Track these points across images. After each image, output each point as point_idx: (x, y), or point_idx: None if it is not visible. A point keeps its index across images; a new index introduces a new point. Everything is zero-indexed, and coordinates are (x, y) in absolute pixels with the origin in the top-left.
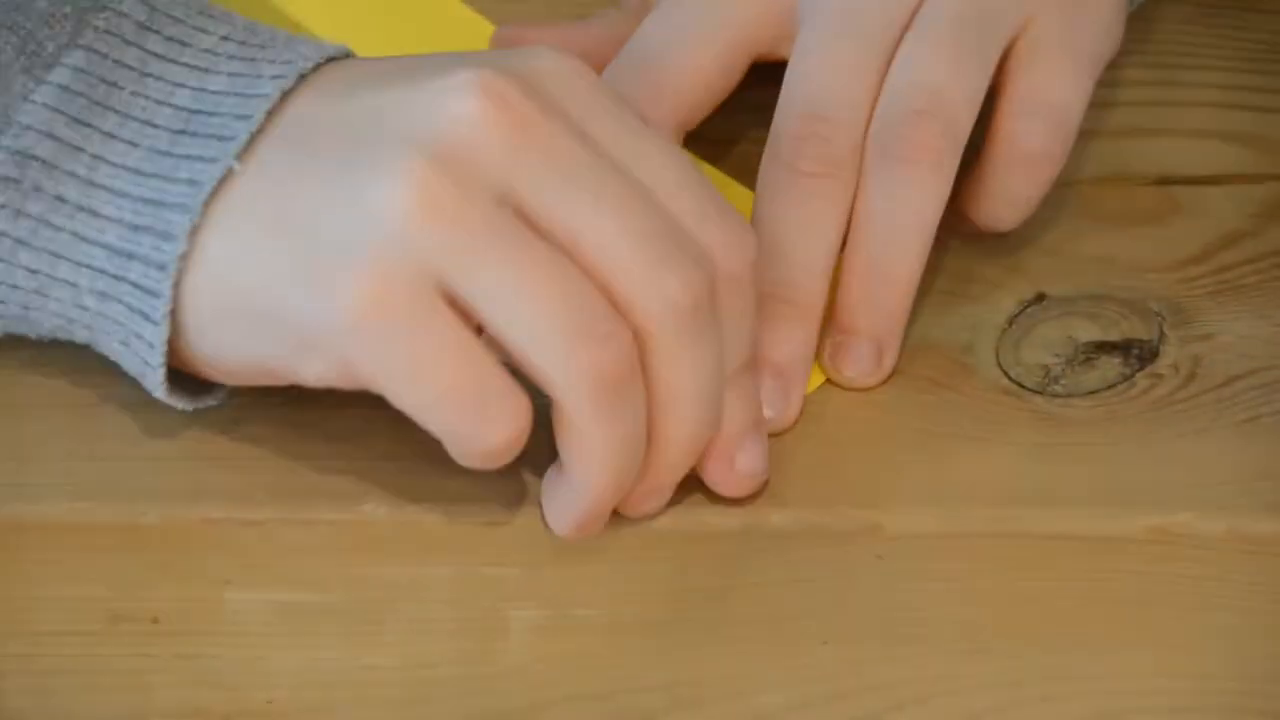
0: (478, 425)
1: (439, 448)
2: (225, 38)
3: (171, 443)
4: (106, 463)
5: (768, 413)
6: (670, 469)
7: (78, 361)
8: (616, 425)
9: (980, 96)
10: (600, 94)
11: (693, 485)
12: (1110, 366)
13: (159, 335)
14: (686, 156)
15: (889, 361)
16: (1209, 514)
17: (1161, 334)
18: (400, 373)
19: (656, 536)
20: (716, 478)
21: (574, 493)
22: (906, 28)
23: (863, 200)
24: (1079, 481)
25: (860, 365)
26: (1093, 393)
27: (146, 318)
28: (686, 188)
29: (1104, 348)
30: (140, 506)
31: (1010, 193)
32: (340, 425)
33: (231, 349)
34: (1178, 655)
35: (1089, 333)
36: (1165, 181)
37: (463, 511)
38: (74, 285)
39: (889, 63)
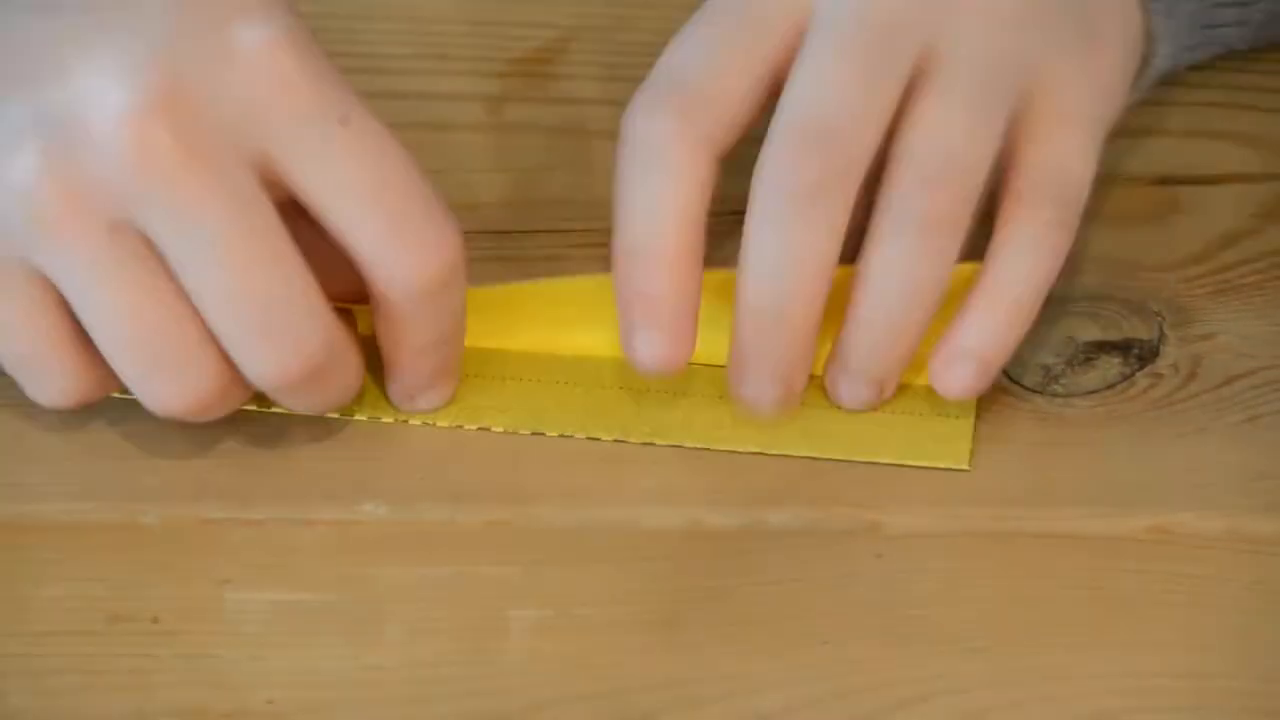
0: (28, 383)
1: (439, 447)
2: None
3: (171, 443)
4: (106, 463)
5: (764, 409)
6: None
7: None
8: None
9: (993, 154)
10: (288, 105)
11: (692, 485)
12: (1110, 366)
13: None
14: (388, 155)
15: (889, 392)
16: (1209, 514)
17: (1161, 334)
18: None
19: (656, 536)
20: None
21: None
22: (916, 61)
23: (873, 262)
24: (1079, 481)
25: (859, 399)
26: (1093, 392)
27: None
28: (372, 208)
29: (1104, 347)
30: (140, 506)
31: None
32: (340, 425)
33: None
34: (1178, 655)
35: (1089, 332)
36: (1165, 181)
37: (463, 511)
38: None
39: (899, 96)
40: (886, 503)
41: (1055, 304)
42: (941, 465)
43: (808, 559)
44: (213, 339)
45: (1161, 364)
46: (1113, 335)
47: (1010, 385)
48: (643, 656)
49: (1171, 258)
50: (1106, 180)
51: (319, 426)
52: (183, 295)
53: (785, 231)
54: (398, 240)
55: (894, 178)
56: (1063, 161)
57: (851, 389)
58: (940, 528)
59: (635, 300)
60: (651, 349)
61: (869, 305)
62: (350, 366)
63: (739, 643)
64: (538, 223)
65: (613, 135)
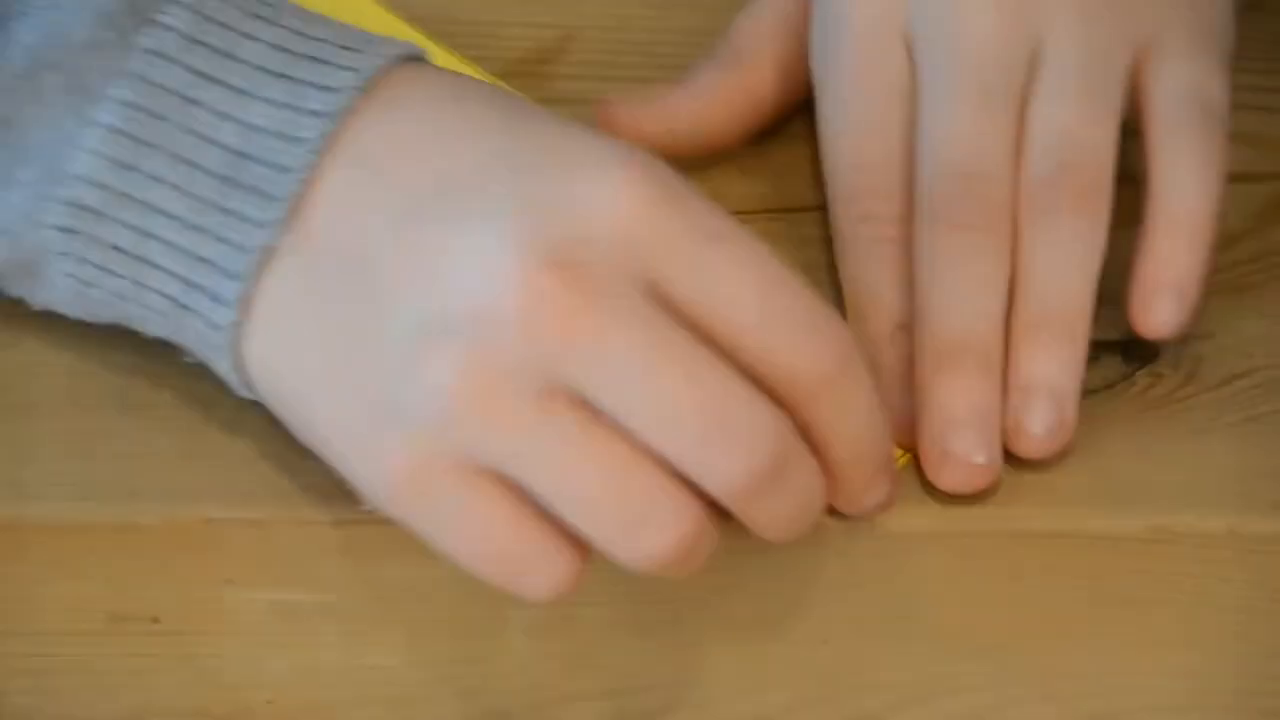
0: (517, 582)
1: None
2: (275, 45)
3: (172, 443)
4: (106, 463)
5: (977, 457)
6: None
7: (78, 362)
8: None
9: (1117, 133)
10: (660, 230)
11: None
12: (1110, 365)
13: (232, 378)
14: (767, 261)
15: (1070, 417)
16: (1209, 514)
17: None
18: (434, 536)
19: None
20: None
21: None
22: (1028, 73)
23: (1026, 258)
24: (1079, 480)
25: (1047, 422)
26: (1093, 392)
27: (215, 362)
28: (763, 309)
29: (1104, 347)
30: (140, 506)
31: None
32: None
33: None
34: (1178, 655)
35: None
36: None
37: None
38: (144, 322)
39: (1020, 110)
40: None
41: None
42: None
43: (808, 559)
44: (678, 477)
45: (1161, 364)
46: (1113, 334)
47: None
48: (643, 656)
49: None
50: None
51: None
52: (631, 439)
53: (960, 268)
54: (792, 336)
55: (1031, 172)
56: (1198, 82)
57: (1041, 414)
58: (940, 528)
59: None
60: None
61: (1025, 301)
62: (810, 462)
63: (739, 643)
64: None
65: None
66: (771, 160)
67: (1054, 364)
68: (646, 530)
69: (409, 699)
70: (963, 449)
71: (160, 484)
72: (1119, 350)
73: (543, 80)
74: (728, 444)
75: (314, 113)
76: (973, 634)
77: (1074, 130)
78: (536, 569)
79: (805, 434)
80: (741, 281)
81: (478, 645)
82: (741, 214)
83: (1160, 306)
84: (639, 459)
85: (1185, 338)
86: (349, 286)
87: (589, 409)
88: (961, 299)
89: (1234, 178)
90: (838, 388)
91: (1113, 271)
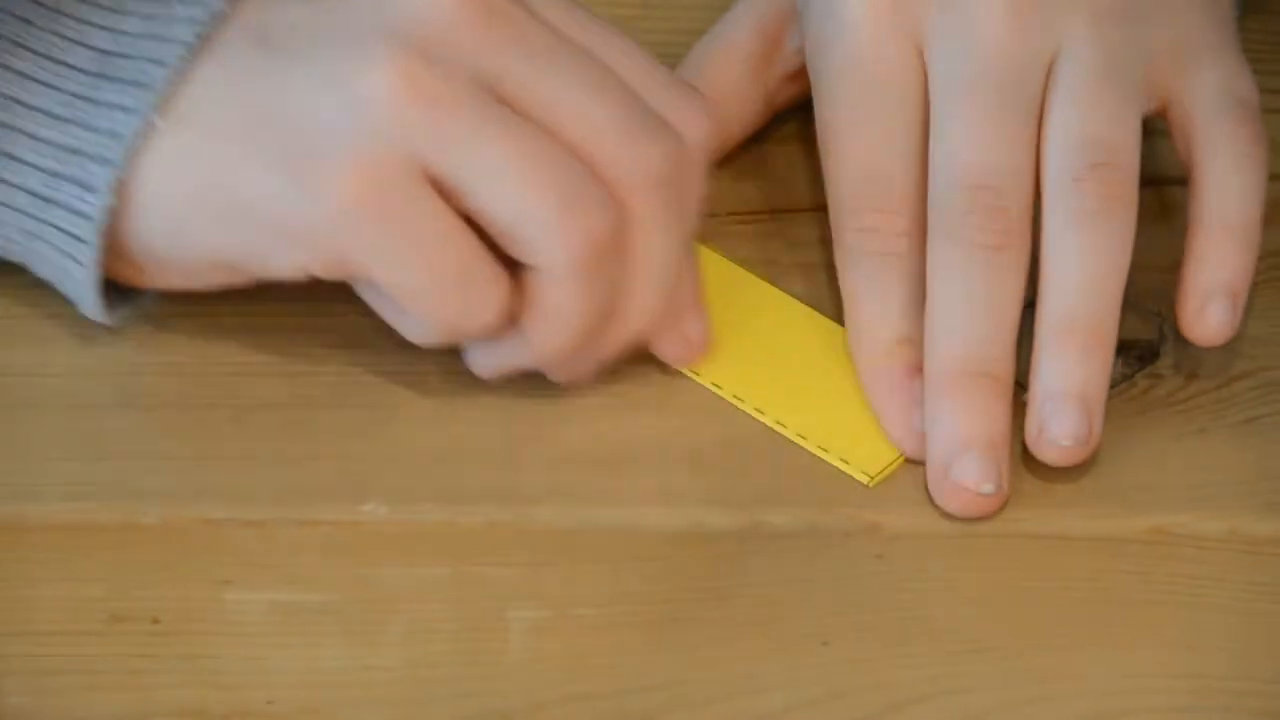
0: (465, 307)
1: (439, 447)
2: None
3: (171, 443)
4: (106, 463)
5: (986, 487)
6: (627, 339)
7: (78, 361)
8: (594, 298)
9: (1140, 133)
10: None
11: (692, 485)
12: (1110, 366)
13: (88, 277)
14: (634, 42)
15: (1098, 425)
16: (1209, 514)
17: (1161, 334)
18: (393, 259)
19: (656, 536)
20: (671, 351)
21: (521, 349)
22: (1044, 82)
23: (1054, 262)
24: (1079, 481)
25: (1077, 432)
26: None
27: (74, 260)
28: (642, 68)
29: None
30: (140, 506)
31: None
32: (340, 424)
33: (194, 246)
34: (1178, 655)
35: None
36: (1164, 181)
37: (463, 511)
38: (1, 222)
39: (1037, 121)
40: (886, 503)
41: None
42: (850, 470)
43: (808, 559)
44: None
45: (1161, 364)
46: None
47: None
48: (643, 656)
49: (1171, 258)
50: None
51: (319, 426)
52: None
53: (974, 290)
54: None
55: (1049, 182)
56: (1229, 80)
57: (1066, 422)
58: (940, 528)
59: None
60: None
61: (1054, 305)
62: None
63: (739, 643)
64: None
65: None
66: (769, 160)
67: (1083, 371)
68: (584, 205)
69: (409, 699)
70: (971, 478)
71: (160, 484)
72: (1119, 352)
73: None
74: (646, 132)
75: (189, 19)
76: (973, 634)
77: (1098, 133)
78: (484, 289)
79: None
80: (574, 86)
81: (478, 645)
82: (740, 214)
83: (1214, 312)
84: (566, 150)
85: (1186, 339)
86: (258, 75)
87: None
88: (973, 320)
89: None
90: (656, 194)
91: None
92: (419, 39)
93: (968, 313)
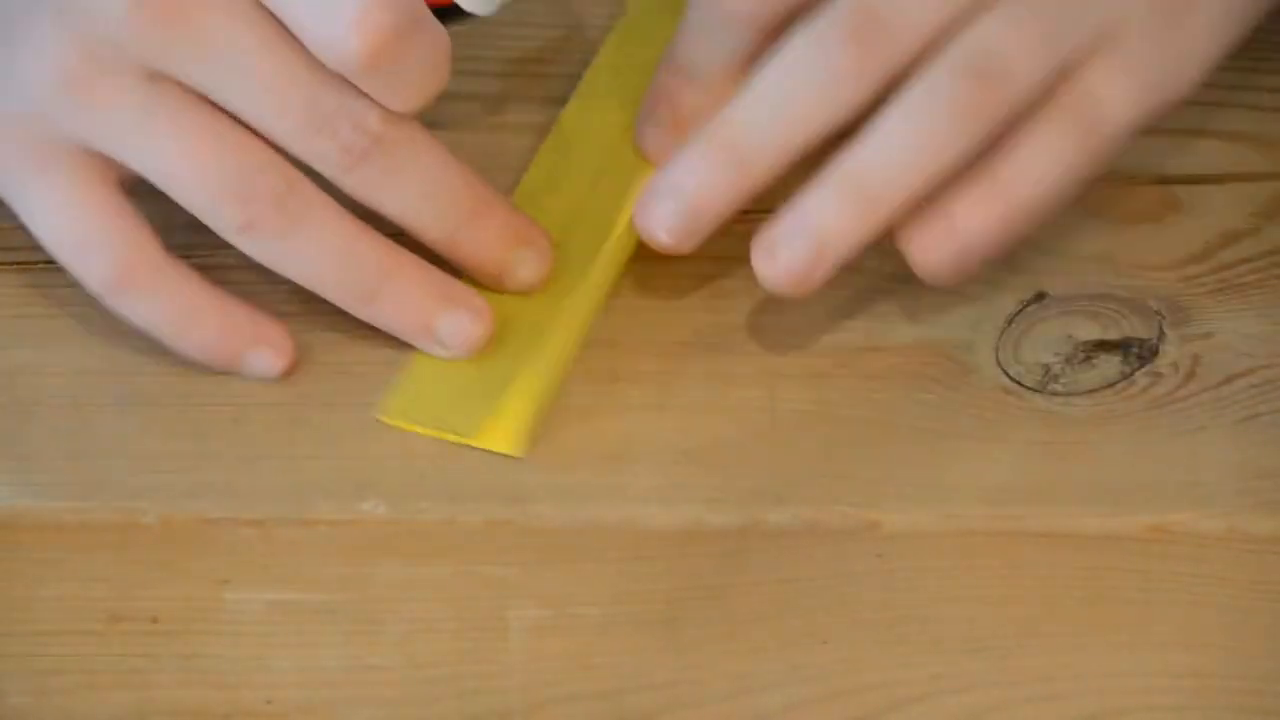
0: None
1: (439, 447)
2: None
3: (171, 443)
4: (106, 462)
5: (665, 239)
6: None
7: (78, 361)
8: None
9: (1035, 81)
10: None
11: (692, 485)
12: (1110, 365)
13: None
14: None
15: (821, 273)
16: (1208, 513)
17: (1161, 333)
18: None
19: (656, 536)
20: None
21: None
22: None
23: (877, 118)
24: (1078, 480)
25: (793, 261)
26: (1092, 391)
27: None
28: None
29: (1103, 346)
30: (140, 506)
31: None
32: (340, 425)
33: None
34: (1178, 655)
35: (1089, 331)
36: (1165, 180)
37: (463, 511)
38: None
39: (967, 11)
40: (886, 503)
41: (1055, 303)
42: (491, 448)
43: (808, 559)
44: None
45: (1161, 363)
46: (1112, 334)
47: (1010, 385)
48: (643, 656)
49: (1171, 257)
50: (1107, 179)
51: (319, 426)
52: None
53: (798, 81)
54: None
55: (930, 60)
56: (1109, 94)
57: (790, 251)
58: (940, 528)
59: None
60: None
61: (851, 158)
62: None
63: (739, 643)
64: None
65: None
66: None
67: (838, 216)
68: (237, 192)
69: (409, 699)
70: (657, 218)
71: (160, 484)
72: (1119, 350)
73: (543, 80)
74: (325, 130)
75: None
76: (973, 634)
77: (996, 43)
78: (101, 252)
79: None
80: (249, 88)
81: (478, 645)
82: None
83: (935, 243)
84: (238, 129)
85: (1185, 337)
86: None
87: (195, 97)
88: (770, 101)
89: (1234, 178)
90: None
91: (1112, 271)
92: (91, 27)
93: (774, 98)
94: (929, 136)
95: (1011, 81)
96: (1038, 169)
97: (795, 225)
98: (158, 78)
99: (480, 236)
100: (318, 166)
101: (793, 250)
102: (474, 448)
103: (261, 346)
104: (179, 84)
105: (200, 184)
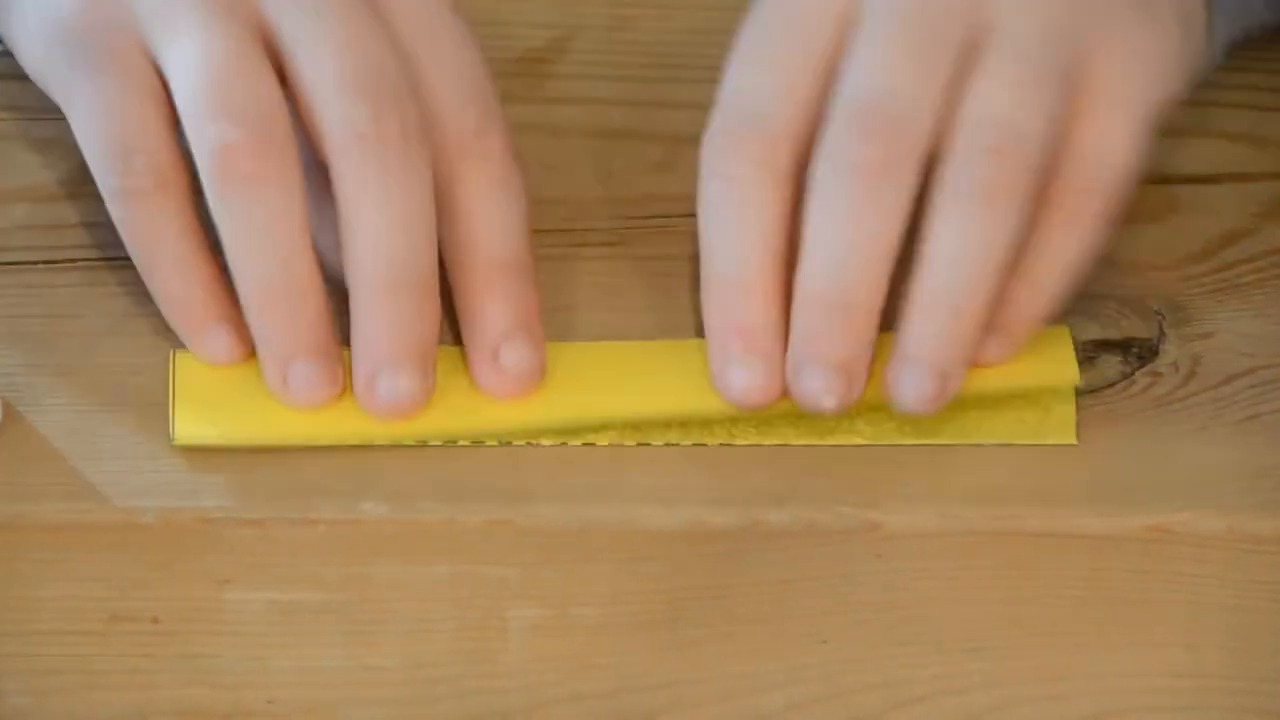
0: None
1: (439, 447)
2: None
3: (171, 442)
4: (106, 462)
5: (828, 402)
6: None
7: (78, 361)
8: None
9: (1047, 132)
10: None
11: (692, 485)
12: (1110, 365)
13: None
14: (466, 38)
15: (952, 388)
16: (1209, 513)
17: (1161, 332)
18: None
19: (656, 536)
20: (485, 380)
21: None
22: (974, 46)
23: (933, 236)
24: (1078, 480)
25: (922, 394)
26: (1092, 391)
27: None
28: (449, 63)
29: (1104, 346)
30: (140, 506)
31: None
32: None
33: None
34: (1178, 655)
35: (1089, 331)
36: (1165, 180)
37: (463, 511)
38: None
39: (958, 79)
40: (886, 503)
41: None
42: (1049, 442)
43: (808, 559)
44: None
45: (1161, 363)
46: (1112, 334)
47: None
48: (643, 656)
49: (1171, 257)
50: None
51: None
52: (271, 67)
53: (849, 216)
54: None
55: (949, 152)
56: (1109, 148)
57: (915, 383)
58: (940, 528)
59: (731, 332)
60: (751, 379)
61: (931, 283)
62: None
63: (739, 643)
64: (539, 222)
65: (615, 134)
66: None
67: (941, 344)
68: (234, 122)
69: (409, 699)
70: (815, 388)
71: (160, 484)
72: (1119, 350)
73: (543, 80)
74: (368, 97)
75: None
76: (973, 634)
77: (1003, 110)
78: (139, 155)
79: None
80: (320, 39)
81: (478, 645)
82: None
83: (996, 347)
84: (267, 70)
85: (1185, 337)
86: None
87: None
88: (836, 250)
89: (1234, 178)
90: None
91: (1112, 271)
92: None
93: (838, 245)
94: (985, 230)
95: (1028, 141)
96: (1068, 255)
97: (909, 363)
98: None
99: (497, 306)
100: (329, 128)
101: (918, 385)
102: (474, 448)
103: (224, 325)
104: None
105: (209, 95)
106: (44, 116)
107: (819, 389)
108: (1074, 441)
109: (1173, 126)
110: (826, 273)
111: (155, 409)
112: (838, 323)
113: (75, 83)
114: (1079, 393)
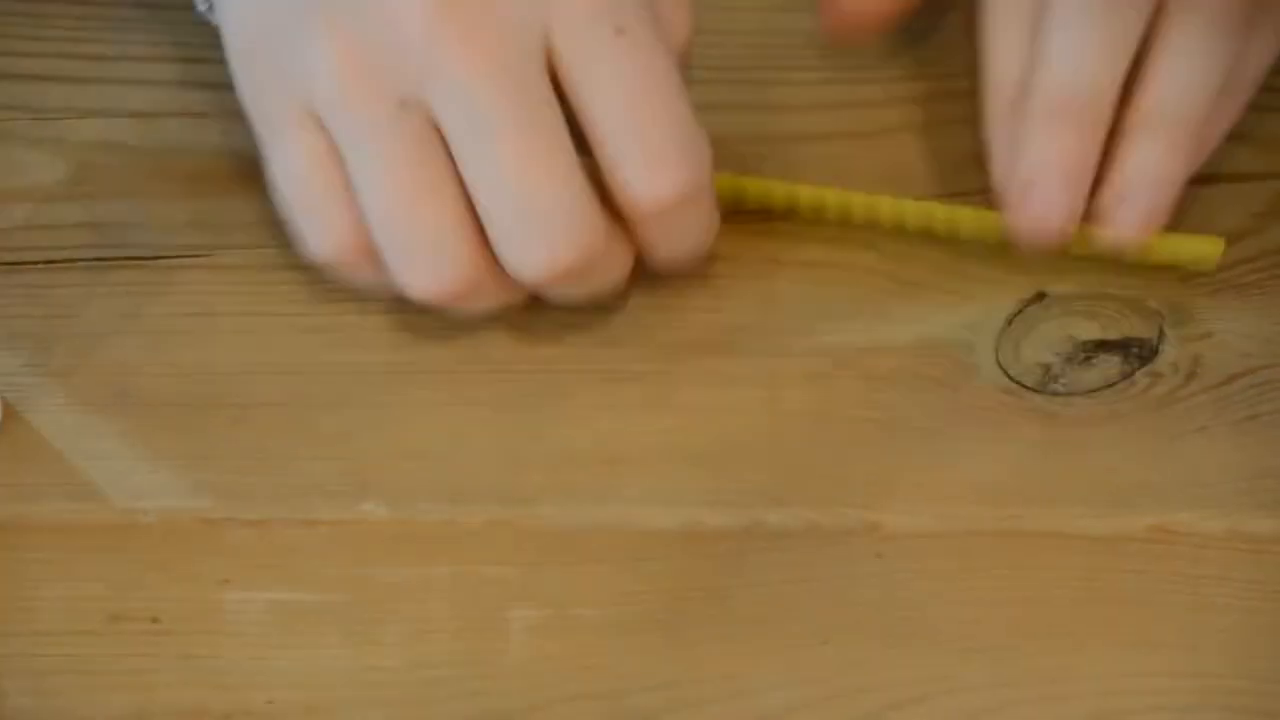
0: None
1: (439, 447)
2: None
3: (171, 443)
4: (106, 463)
5: (1052, 217)
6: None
7: (78, 361)
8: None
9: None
10: (575, 6)
11: (692, 485)
12: (1110, 365)
13: None
14: (655, 72)
15: (1158, 219)
16: (1209, 513)
17: (1161, 333)
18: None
19: (656, 536)
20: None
21: None
22: None
23: (1157, 51)
24: (1079, 480)
25: (1132, 222)
26: (1093, 391)
27: None
28: (626, 120)
29: (1104, 346)
30: (140, 506)
31: None
32: (340, 424)
33: None
34: (1178, 655)
35: (1089, 331)
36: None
37: (463, 511)
38: None
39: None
40: (886, 503)
41: (1055, 303)
42: (1194, 255)
43: (808, 559)
44: (476, 228)
45: (1161, 363)
46: (1112, 334)
47: (1010, 385)
48: (643, 656)
49: None
50: None
51: (319, 427)
52: (454, 180)
53: (1088, 29)
54: (639, 157)
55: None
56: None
57: (1129, 210)
58: (940, 528)
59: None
60: (1055, 209)
61: (1150, 102)
62: (616, 260)
63: (739, 643)
64: None
65: None
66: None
67: (1156, 155)
68: (421, 259)
69: (409, 699)
70: (1039, 206)
71: (160, 484)
72: (1119, 350)
73: None
74: (538, 233)
75: None
76: (973, 634)
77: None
78: (322, 224)
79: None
80: (621, 86)
81: (478, 645)
82: (747, 214)
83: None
84: (447, 195)
85: (1185, 337)
86: None
87: (435, 141)
88: (1073, 60)
89: (1234, 178)
90: (670, 216)
91: (1112, 271)
92: (374, 24)
93: (1076, 55)
94: (1202, 58)
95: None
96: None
97: (1132, 181)
98: (411, 105)
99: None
100: (517, 267)
101: (1135, 206)
102: (475, 447)
103: None
104: (427, 120)
105: (391, 225)
106: (44, 116)
107: (1044, 210)
108: (1211, 267)
109: None
110: (1062, 80)
111: (155, 409)
112: (1073, 135)
113: None
114: (1085, 392)
